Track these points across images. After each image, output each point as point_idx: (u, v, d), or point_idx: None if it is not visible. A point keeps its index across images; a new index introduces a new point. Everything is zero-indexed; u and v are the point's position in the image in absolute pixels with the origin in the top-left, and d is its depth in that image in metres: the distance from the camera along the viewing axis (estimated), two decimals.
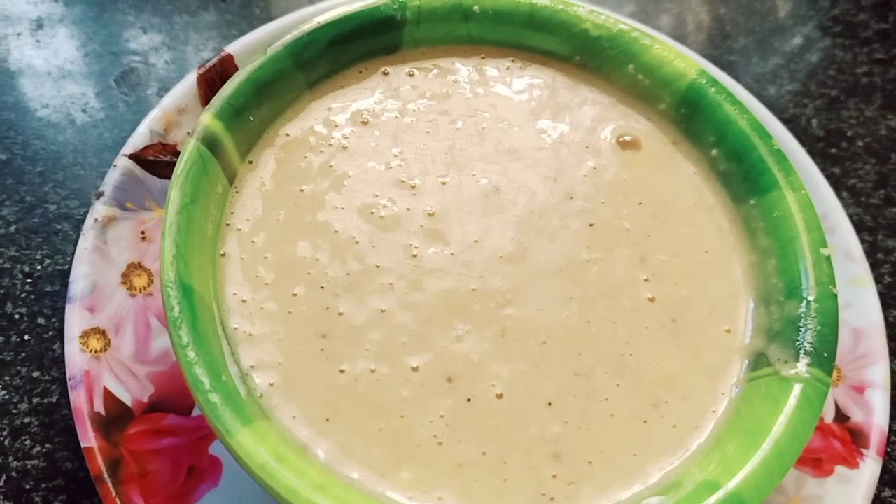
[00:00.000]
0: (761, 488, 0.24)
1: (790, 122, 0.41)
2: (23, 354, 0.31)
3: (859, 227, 0.38)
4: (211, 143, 0.28)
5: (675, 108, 0.32)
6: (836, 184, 0.39)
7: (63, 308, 0.32)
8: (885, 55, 0.44)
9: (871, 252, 0.38)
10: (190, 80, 0.33)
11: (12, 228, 0.34)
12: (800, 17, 0.45)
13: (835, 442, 0.31)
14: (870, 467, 0.30)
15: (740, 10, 0.45)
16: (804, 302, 0.27)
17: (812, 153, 0.40)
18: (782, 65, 0.43)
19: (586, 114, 0.32)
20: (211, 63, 0.34)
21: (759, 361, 0.27)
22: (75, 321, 0.28)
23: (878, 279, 0.37)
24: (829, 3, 0.46)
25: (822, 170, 0.39)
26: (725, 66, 0.42)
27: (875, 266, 0.38)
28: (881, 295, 0.37)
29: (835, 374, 0.32)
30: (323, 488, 0.23)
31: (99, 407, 0.27)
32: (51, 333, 0.32)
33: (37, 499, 0.29)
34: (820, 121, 0.41)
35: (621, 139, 0.32)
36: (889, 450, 0.33)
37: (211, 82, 0.34)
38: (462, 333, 0.27)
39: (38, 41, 0.39)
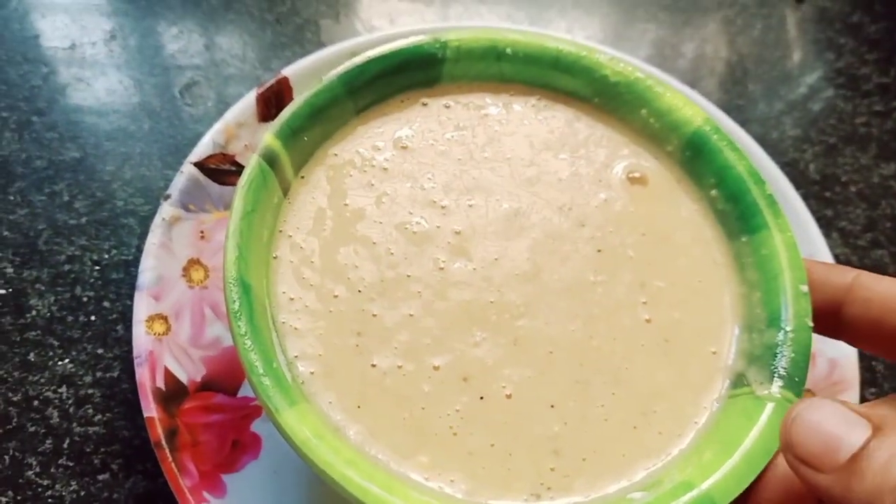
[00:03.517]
0: (730, 490, 0.27)
1: (789, 165, 0.44)
2: (89, 333, 0.36)
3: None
4: (270, 160, 0.32)
5: (682, 150, 0.36)
6: (828, 225, 0.43)
7: (126, 294, 0.36)
8: (883, 108, 0.48)
9: None
10: (249, 98, 0.37)
11: (83, 220, 0.38)
12: (806, 68, 0.49)
13: None
14: None
15: (751, 58, 0.49)
16: (782, 331, 0.31)
17: (807, 196, 0.43)
18: (786, 111, 0.47)
19: (601, 150, 0.36)
20: (269, 84, 0.38)
21: (738, 381, 0.31)
22: (143, 307, 0.33)
23: None
24: (835, 55, 0.50)
25: (816, 211, 0.43)
26: (733, 110, 0.46)
27: None
28: None
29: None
30: (354, 463, 0.26)
31: (160, 383, 0.31)
32: (114, 316, 0.36)
33: (96, 461, 0.33)
34: (817, 165, 0.45)
35: (631, 175, 0.36)
36: None
37: (267, 101, 0.38)
38: (479, 339, 0.31)
39: (111, 51, 0.43)
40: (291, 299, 0.31)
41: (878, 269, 0.42)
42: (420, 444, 0.29)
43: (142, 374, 0.31)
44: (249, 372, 0.27)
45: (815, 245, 0.38)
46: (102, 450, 0.33)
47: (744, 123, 0.44)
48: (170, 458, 0.30)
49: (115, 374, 0.35)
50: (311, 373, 0.29)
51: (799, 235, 0.37)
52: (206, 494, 0.30)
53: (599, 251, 0.33)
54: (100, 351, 0.35)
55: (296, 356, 0.30)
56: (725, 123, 0.40)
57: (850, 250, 0.42)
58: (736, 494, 0.27)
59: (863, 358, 0.39)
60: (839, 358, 0.36)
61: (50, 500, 0.32)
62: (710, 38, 0.49)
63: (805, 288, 0.32)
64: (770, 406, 0.29)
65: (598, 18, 0.50)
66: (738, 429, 0.29)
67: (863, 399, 0.37)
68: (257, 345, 0.28)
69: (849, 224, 0.43)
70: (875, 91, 0.48)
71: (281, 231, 0.32)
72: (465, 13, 0.49)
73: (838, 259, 0.42)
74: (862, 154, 0.46)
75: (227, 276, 0.29)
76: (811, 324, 0.31)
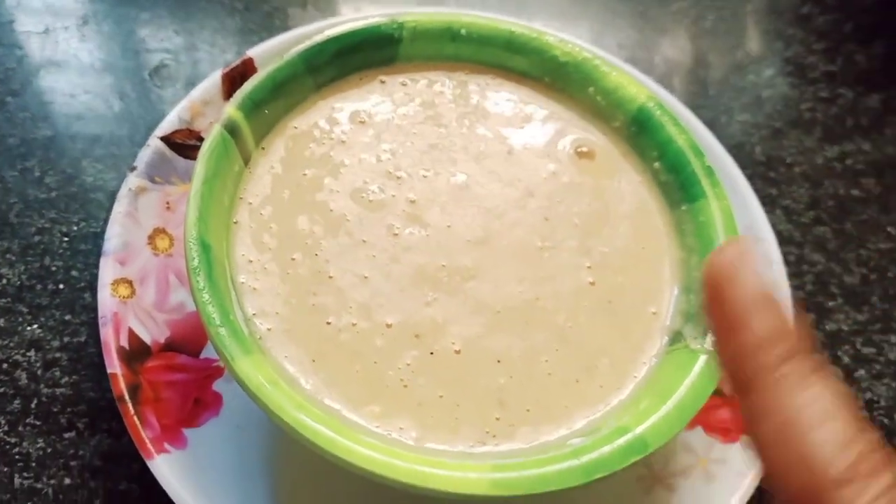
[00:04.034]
0: (662, 434, 0.29)
1: (737, 148, 0.46)
2: (57, 300, 0.37)
3: (789, 241, 0.44)
4: (232, 130, 0.33)
5: (627, 126, 0.38)
6: (772, 203, 0.45)
7: (94, 264, 0.38)
8: (829, 94, 0.50)
9: (797, 263, 0.43)
10: (215, 78, 0.39)
11: (53, 194, 0.39)
12: (756, 57, 0.51)
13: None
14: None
15: (706, 48, 0.51)
16: None
17: (753, 176, 0.45)
18: (735, 98, 0.49)
19: (550, 127, 0.38)
20: (234, 64, 0.40)
21: (676, 338, 0.33)
22: (108, 271, 0.34)
23: (801, 287, 0.43)
24: (784, 45, 0.52)
25: (761, 191, 0.45)
26: (685, 96, 0.48)
27: (800, 275, 0.43)
28: (803, 301, 0.42)
29: None
30: (305, 408, 0.28)
31: (124, 342, 0.33)
32: (82, 284, 0.37)
33: (62, 420, 0.34)
34: (763, 148, 0.47)
35: (579, 150, 0.38)
36: None
37: (233, 80, 0.39)
38: (431, 300, 0.33)
39: (83, 35, 0.45)
40: (251, 261, 0.32)
41: (821, 243, 0.44)
42: (372, 396, 0.30)
43: (106, 334, 0.32)
44: (207, 323, 0.29)
45: (755, 218, 0.40)
46: (69, 410, 0.34)
47: (695, 109, 0.46)
48: (132, 412, 0.31)
49: (83, 339, 0.36)
50: (269, 329, 0.31)
51: (739, 208, 0.39)
52: (167, 445, 0.31)
53: (547, 219, 0.35)
54: (67, 317, 0.36)
55: (254, 314, 0.31)
56: (672, 104, 0.42)
57: (793, 226, 0.44)
58: (668, 438, 0.29)
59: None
60: None
61: (17, 457, 0.33)
62: (665, 28, 0.52)
63: None
64: (702, 358, 0.31)
65: (557, 9, 0.52)
66: (673, 379, 0.31)
67: None
68: (215, 298, 0.29)
69: (792, 202, 0.45)
70: (821, 79, 0.51)
71: (241, 198, 0.34)
72: (432, 1, 0.51)
73: (782, 235, 0.44)
74: (807, 137, 0.48)
75: (188, 236, 0.30)
76: None
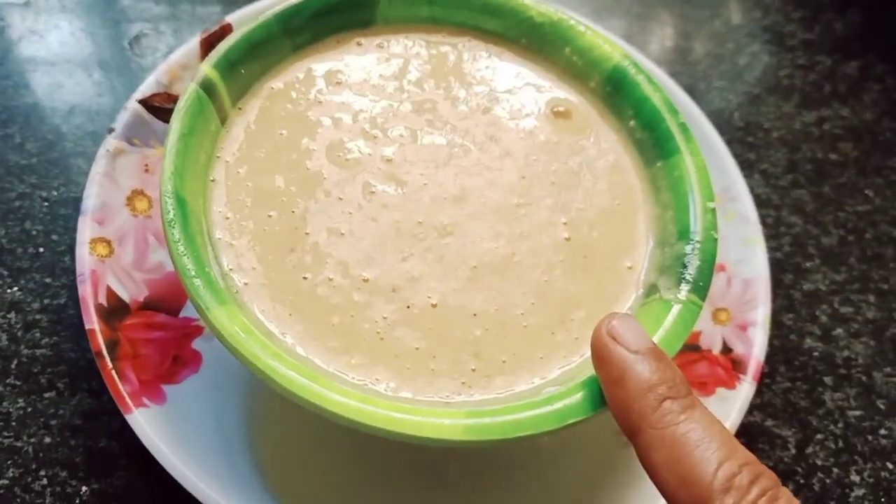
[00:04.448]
0: None
1: (716, 114, 0.47)
2: (38, 263, 0.37)
3: (767, 204, 0.44)
4: (208, 88, 0.33)
5: (602, 85, 0.38)
6: (751, 167, 0.45)
7: (74, 228, 0.38)
8: (806, 62, 0.50)
9: (775, 225, 0.44)
10: (193, 43, 0.39)
11: (34, 160, 0.39)
12: (734, 26, 0.51)
13: (719, 369, 0.36)
14: (745, 389, 0.36)
15: (682, 16, 0.51)
16: (690, 243, 0.33)
17: (731, 141, 0.46)
18: (714, 65, 0.49)
19: (527, 87, 0.38)
20: (213, 30, 0.40)
21: (650, 290, 0.33)
22: (86, 230, 0.34)
23: (778, 248, 0.43)
24: (762, 14, 0.52)
25: (739, 155, 0.45)
26: (664, 64, 0.48)
27: (777, 237, 0.43)
28: (780, 261, 0.43)
29: (725, 315, 0.38)
30: (279, 357, 0.28)
31: (102, 300, 0.33)
32: (62, 248, 0.37)
33: (42, 380, 0.34)
34: (741, 114, 0.47)
35: (555, 109, 0.38)
36: (767, 381, 0.39)
37: (211, 46, 0.39)
38: (407, 256, 0.33)
39: (63, 6, 0.45)
40: (227, 218, 0.32)
41: (798, 206, 0.44)
42: (348, 347, 0.30)
43: (84, 291, 0.32)
44: (182, 274, 0.29)
45: (733, 178, 0.40)
46: (49, 370, 0.34)
47: (674, 76, 0.46)
48: (110, 366, 0.31)
49: (62, 301, 0.36)
50: (245, 284, 0.31)
51: (717, 171, 0.40)
52: (145, 400, 0.31)
53: (523, 178, 0.35)
54: (48, 280, 0.36)
55: (230, 269, 0.31)
56: (647, 66, 0.42)
57: (771, 189, 0.45)
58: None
59: (785, 287, 0.42)
60: (752, 278, 0.38)
61: None
62: None
63: (712, 205, 0.34)
64: (676, 308, 0.31)
65: None
66: (648, 329, 0.31)
67: (778, 321, 0.39)
68: (191, 251, 0.29)
69: (770, 166, 0.45)
70: (799, 46, 0.51)
71: (218, 157, 0.34)
72: None
73: (760, 198, 0.44)
74: (785, 103, 0.48)
75: (163, 190, 0.30)
76: (716, 235, 0.33)
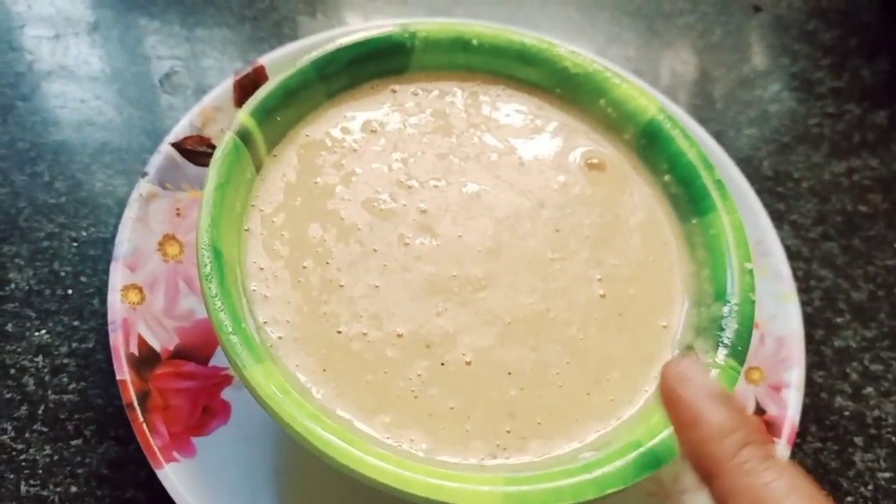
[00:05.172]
0: (674, 449, 0.29)
1: (744, 162, 0.46)
2: (66, 306, 0.37)
3: (797, 256, 0.44)
4: (244, 136, 0.33)
5: (637, 138, 0.38)
6: (780, 218, 0.45)
7: (103, 270, 0.38)
8: (835, 110, 0.50)
9: (805, 279, 0.43)
10: (227, 85, 0.39)
11: (63, 199, 0.39)
12: (762, 72, 0.51)
13: None
14: (779, 453, 0.35)
15: (710, 62, 0.51)
16: (727, 305, 0.32)
17: (761, 190, 0.45)
18: (742, 112, 0.49)
19: (561, 138, 0.38)
20: (246, 72, 0.40)
21: (686, 351, 0.33)
22: (118, 276, 0.34)
23: (808, 302, 0.43)
24: (790, 61, 0.52)
25: (769, 205, 0.45)
26: (691, 109, 0.48)
27: (807, 291, 0.43)
28: (810, 316, 0.42)
29: (758, 374, 0.38)
30: (316, 418, 0.28)
31: (133, 349, 0.33)
32: (91, 290, 0.37)
33: (69, 427, 0.34)
34: (771, 163, 0.47)
35: (589, 161, 0.38)
36: (797, 441, 0.39)
37: (244, 88, 0.39)
38: (442, 310, 0.32)
39: (93, 41, 0.45)
40: (262, 269, 0.32)
41: (828, 259, 0.44)
42: (382, 406, 0.30)
43: (115, 340, 0.32)
44: (219, 330, 0.28)
45: (765, 232, 0.40)
46: (76, 416, 0.34)
47: (702, 122, 0.46)
48: (141, 419, 0.31)
49: (91, 345, 0.36)
50: (280, 337, 0.31)
51: (749, 222, 0.39)
52: (175, 454, 0.31)
53: (558, 231, 0.35)
54: (76, 323, 0.36)
55: (265, 322, 0.31)
56: (680, 116, 0.42)
57: (801, 241, 0.44)
58: (679, 453, 0.29)
59: (816, 342, 0.41)
60: (786, 336, 0.38)
61: (24, 464, 0.33)
62: (671, 42, 0.52)
63: (749, 265, 0.33)
64: (714, 372, 0.31)
65: (564, 22, 0.52)
66: None
67: (808, 378, 0.39)
68: (227, 306, 0.29)
69: (800, 217, 0.45)
70: (828, 94, 0.51)
71: (253, 205, 0.34)
72: (441, 13, 0.51)
73: (790, 251, 0.44)
74: (814, 153, 0.48)
75: (200, 242, 0.30)
76: (754, 298, 0.33)
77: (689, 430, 0.26)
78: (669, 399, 0.27)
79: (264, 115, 0.34)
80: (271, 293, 0.32)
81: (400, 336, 0.31)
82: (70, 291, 0.37)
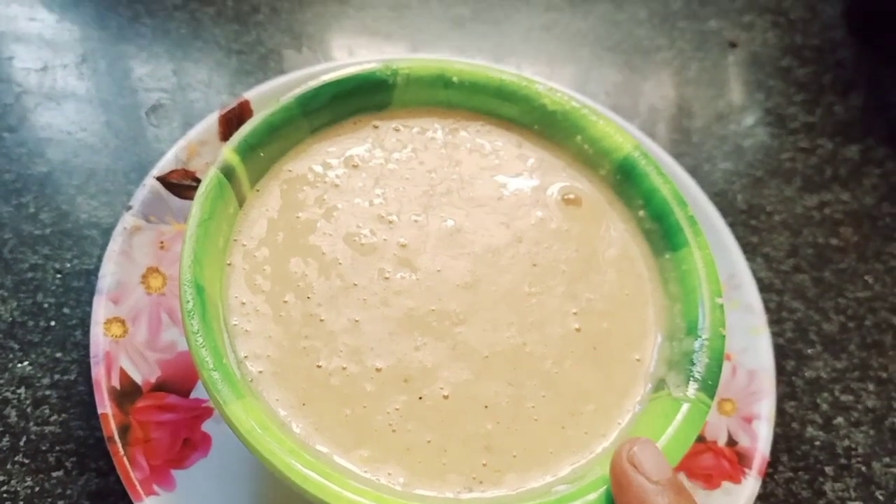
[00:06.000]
0: None
1: (719, 196, 0.48)
2: (49, 337, 0.37)
3: (769, 288, 0.45)
4: (228, 172, 0.34)
5: (613, 174, 0.39)
6: (753, 250, 0.46)
7: (86, 301, 0.38)
8: (808, 145, 0.52)
9: (777, 310, 0.44)
10: (212, 119, 0.40)
11: (48, 231, 0.40)
12: (738, 107, 0.53)
13: (724, 462, 0.37)
14: (750, 484, 0.36)
15: (686, 97, 0.52)
16: (699, 340, 0.33)
17: (734, 223, 0.47)
18: (717, 146, 0.50)
19: (539, 174, 0.39)
20: (231, 106, 0.40)
21: (659, 385, 0.33)
22: (101, 310, 0.34)
23: (780, 334, 0.44)
24: (765, 96, 0.54)
25: (742, 238, 0.46)
26: (668, 143, 0.49)
27: (779, 322, 0.44)
28: (782, 347, 0.43)
29: (730, 405, 0.38)
30: (296, 453, 0.28)
31: (115, 382, 0.33)
32: (74, 322, 0.38)
33: (51, 459, 0.34)
34: (745, 196, 0.48)
35: (566, 196, 0.38)
36: (769, 470, 0.39)
37: (229, 122, 0.40)
38: (420, 344, 0.33)
39: (81, 73, 0.45)
40: (243, 303, 0.33)
41: (800, 291, 0.45)
42: (360, 440, 0.31)
43: (98, 373, 0.33)
44: (200, 367, 0.29)
45: (737, 266, 0.41)
46: (57, 448, 0.34)
47: (678, 156, 0.47)
48: (122, 452, 0.31)
49: (73, 377, 0.36)
50: (260, 372, 0.31)
51: (722, 256, 0.40)
52: (156, 487, 0.31)
53: (535, 265, 0.36)
54: (58, 355, 0.37)
55: (245, 356, 0.32)
56: (656, 152, 0.43)
57: (774, 274, 0.45)
58: None
59: (787, 374, 0.42)
60: (757, 369, 0.39)
61: (5, 496, 0.33)
62: (649, 77, 0.53)
63: (720, 300, 0.34)
64: (685, 406, 0.32)
65: (546, 56, 0.53)
66: (657, 427, 0.31)
67: (780, 408, 0.40)
68: (208, 342, 0.30)
69: (773, 250, 0.46)
70: (801, 129, 0.52)
71: (235, 240, 0.34)
72: (425, 47, 0.52)
73: (763, 283, 0.45)
74: (787, 186, 0.49)
75: (183, 279, 0.30)
76: (724, 333, 0.34)
77: None
78: (618, 484, 0.27)
79: (248, 150, 0.35)
80: (252, 327, 0.32)
81: (379, 370, 0.32)
82: (53, 323, 0.37)
